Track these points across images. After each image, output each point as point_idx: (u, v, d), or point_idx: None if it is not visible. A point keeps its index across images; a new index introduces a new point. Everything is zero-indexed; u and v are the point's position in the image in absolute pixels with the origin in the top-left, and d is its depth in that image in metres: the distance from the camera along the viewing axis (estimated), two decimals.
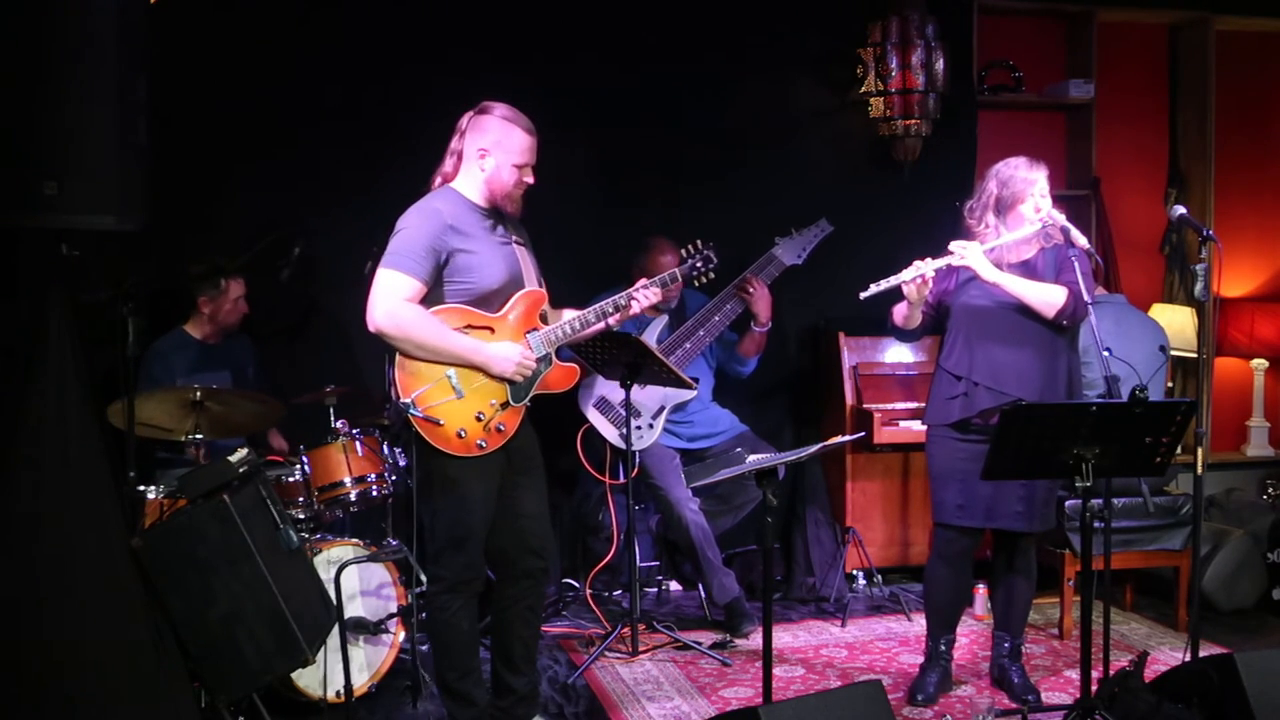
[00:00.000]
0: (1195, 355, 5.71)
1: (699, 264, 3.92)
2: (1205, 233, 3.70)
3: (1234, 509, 5.52)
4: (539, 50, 5.15)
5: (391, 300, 3.35)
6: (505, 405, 3.47)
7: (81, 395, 3.20)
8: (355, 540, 4.18)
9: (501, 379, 3.47)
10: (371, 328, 3.37)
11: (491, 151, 3.45)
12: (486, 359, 3.45)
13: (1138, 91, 6.18)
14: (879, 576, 5.26)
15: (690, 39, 5.38)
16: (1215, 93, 6.01)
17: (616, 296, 3.68)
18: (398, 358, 3.40)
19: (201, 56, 4.73)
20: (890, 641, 4.67)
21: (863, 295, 3.82)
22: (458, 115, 3.52)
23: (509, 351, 3.47)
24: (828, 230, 4.98)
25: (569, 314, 3.67)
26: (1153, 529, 4.71)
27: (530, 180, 3.52)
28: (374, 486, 4.28)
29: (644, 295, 3.71)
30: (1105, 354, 3.74)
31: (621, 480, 4.76)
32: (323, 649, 3.70)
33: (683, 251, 3.97)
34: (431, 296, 3.41)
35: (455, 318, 3.44)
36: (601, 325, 3.69)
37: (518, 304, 3.52)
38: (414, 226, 3.39)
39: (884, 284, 3.80)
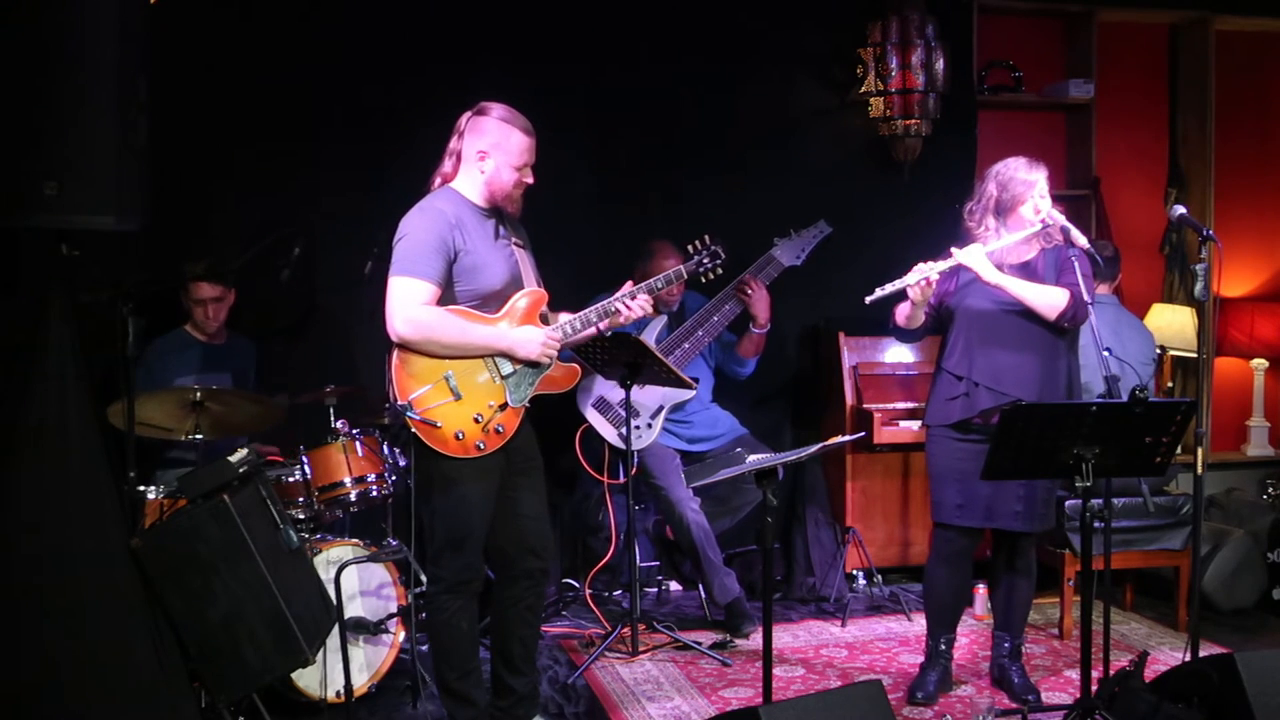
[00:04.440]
0: (1195, 355, 5.71)
1: (706, 260, 3.89)
2: (1205, 233, 3.69)
3: (1234, 509, 5.52)
4: (538, 50, 5.14)
5: (408, 307, 3.34)
6: (503, 407, 3.47)
7: (81, 395, 3.20)
8: (355, 540, 4.19)
9: (528, 363, 3.48)
10: (394, 337, 3.37)
11: (491, 153, 3.45)
12: (511, 344, 3.46)
13: (1138, 91, 6.17)
14: (879, 576, 5.26)
15: (690, 39, 5.38)
16: (1215, 93, 6.01)
17: (605, 302, 3.67)
18: (397, 358, 3.40)
19: (201, 56, 4.73)
20: (890, 641, 4.67)
21: (868, 299, 3.81)
22: (458, 114, 3.52)
23: (533, 335, 3.49)
24: (826, 231, 4.98)
25: (565, 317, 3.66)
26: (1153, 529, 4.71)
27: (530, 180, 3.52)
28: (374, 487, 4.28)
29: (629, 305, 3.64)
30: (1105, 354, 3.75)
31: (621, 480, 4.76)
32: (323, 649, 3.70)
33: (689, 248, 3.95)
34: (443, 298, 3.41)
35: None
36: (593, 330, 3.68)
37: (518, 305, 3.51)
38: (419, 229, 3.39)
39: (889, 288, 3.80)
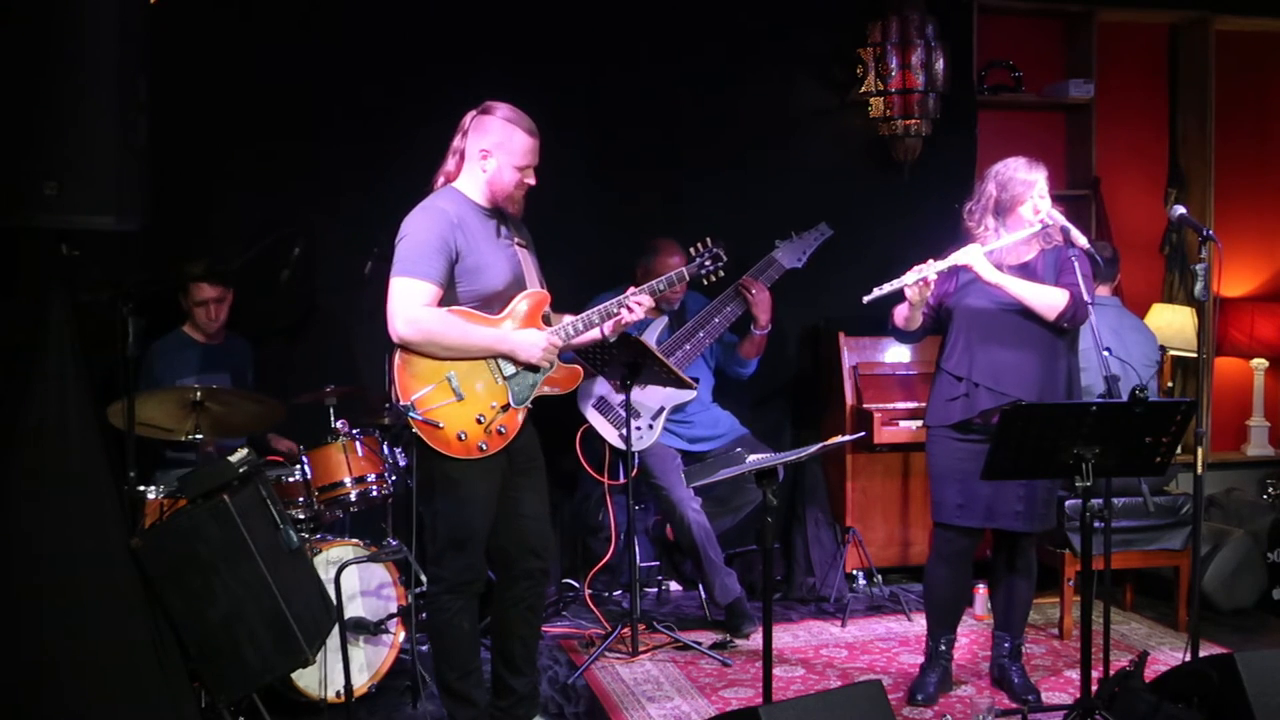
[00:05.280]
0: (1195, 355, 5.71)
1: (708, 262, 3.88)
2: (1205, 233, 3.69)
3: (1234, 509, 5.52)
4: (539, 50, 5.15)
5: (410, 308, 3.34)
6: (506, 407, 3.47)
7: (81, 395, 3.20)
8: (355, 540, 4.19)
9: (528, 365, 3.48)
10: (395, 339, 3.37)
11: (493, 153, 3.44)
12: (513, 347, 3.46)
13: (1138, 91, 6.18)
14: (879, 576, 5.26)
15: (690, 39, 5.39)
16: (1215, 93, 6.01)
17: (607, 304, 3.66)
18: (398, 359, 3.39)
19: (201, 56, 4.73)
20: (890, 641, 4.68)
21: (866, 299, 3.81)
22: (458, 114, 3.51)
23: (534, 338, 3.48)
24: (828, 234, 5.00)
25: (568, 319, 3.66)
26: (1153, 529, 4.71)
27: (532, 181, 3.51)
28: (374, 486, 4.28)
29: (631, 307, 3.63)
30: (1105, 354, 3.75)
31: (621, 480, 4.76)
32: (323, 649, 3.70)
33: (691, 250, 3.93)
34: (445, 299, 3.40)
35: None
36: (598, 334, 3.68)
37: (520, 306, 3.51)
38: (421, 229, 3.38)
39: (887, 287, 3.80)
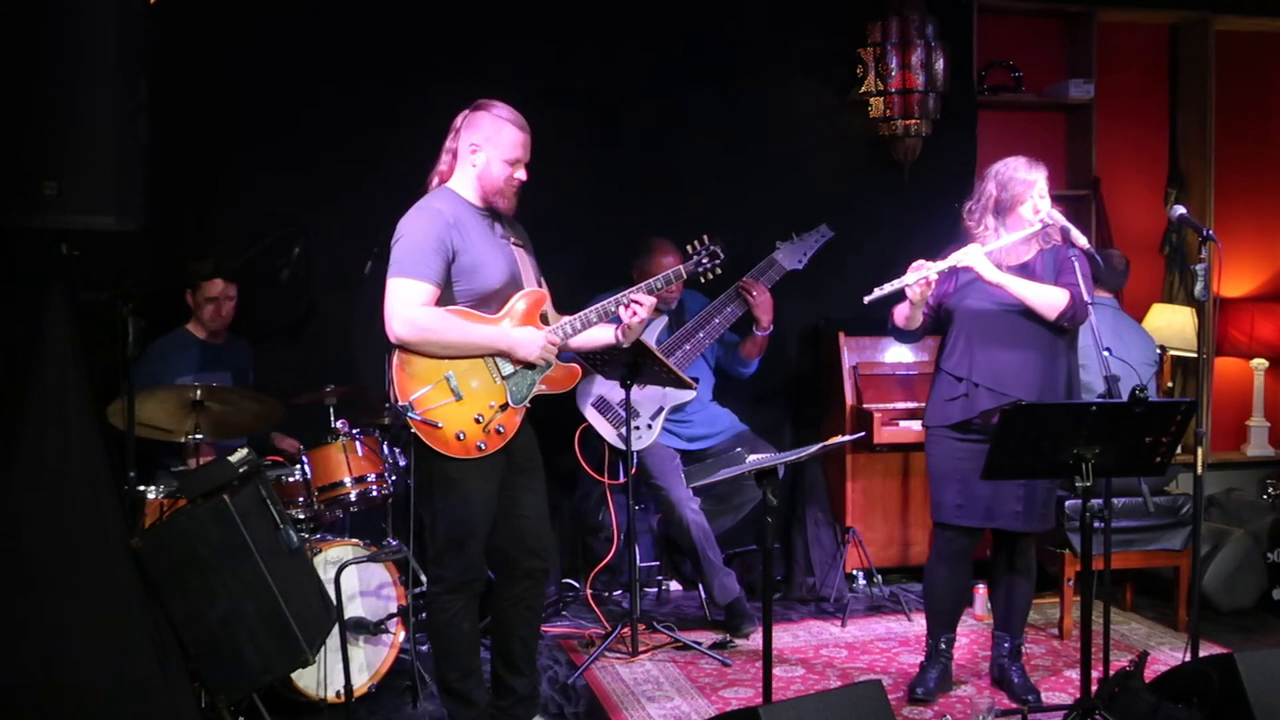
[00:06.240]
0: (1195, 355, 5.71)
1: (705, 260, 3.87)
2: (1205, 233, 3.69)
3: (1234, 509, 5.52)
4: (538, 50, 5.15)
5: (408, 308, 3.34)
6: (504, 407, 3.46)
7: (81, 395, 3.20)
8: (355, 540, 4.19)
9: (527, 364, 3.48)
10: (393, 339, 3.37)
11: (482, 147, 3.44)
12: (511, 345, 3.46)
13: (1138, 91, 6.18)
14: (879, 576, 5.26)
15: (690, 39, 5.39)
16: (1215, 93, 6.01)
17: (604, 303, 3.65)
18: (397, 359, 3.39)
19: (201, 56, 4.73)
20: (890, 641, 4.67)
21: (867, 300, 3.81)
22: (456, 114, 3.52)
23: (533, 336, 3.48)
24: (828, 236, 5.00)
25: (566, 319, 3.65)
26: (1153, 529, 4.71)
27: (522, 177, 3.50)
28: (374, 486, 4.28)
29: (633, 309, 3.60)
30: (1105, 354, 3.75)
31: (620, 480, 4.76)
32: (323, 649, 3.70)
33: (688, 248, 3.93)
34: (442, 298, 3.40)
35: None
36: (609, 338, 3.67)
37: (518, 305, 3.51)
38: (417, 229, 3.39)
39: (888, 287, 3.79)
